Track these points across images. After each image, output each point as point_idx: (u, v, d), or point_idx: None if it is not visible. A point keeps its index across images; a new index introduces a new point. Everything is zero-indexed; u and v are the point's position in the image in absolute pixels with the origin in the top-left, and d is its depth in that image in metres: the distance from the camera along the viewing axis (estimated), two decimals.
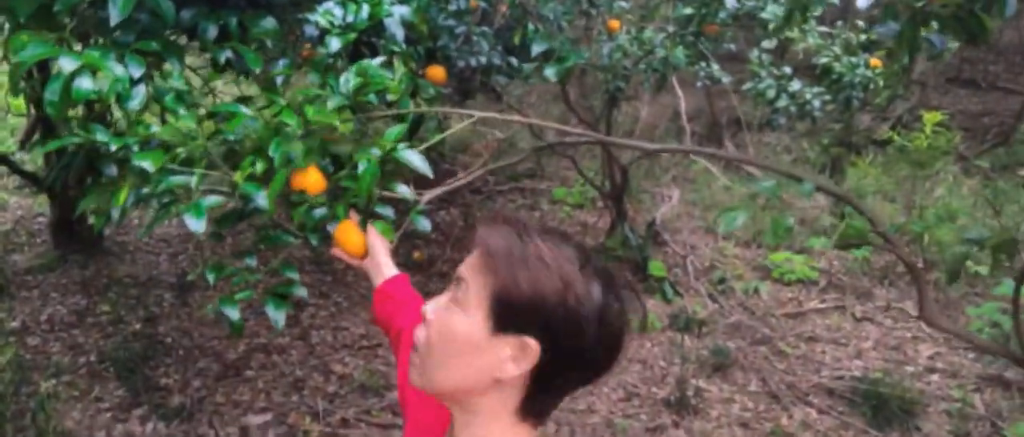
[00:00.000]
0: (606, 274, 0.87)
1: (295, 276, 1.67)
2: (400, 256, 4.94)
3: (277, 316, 1.61)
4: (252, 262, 1.66)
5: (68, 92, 1.47)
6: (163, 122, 1.74)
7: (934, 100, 7.50)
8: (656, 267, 4.71)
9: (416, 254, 4.93)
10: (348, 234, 1.57)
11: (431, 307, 0.89)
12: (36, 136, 4.45)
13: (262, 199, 1.52)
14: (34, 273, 4.25)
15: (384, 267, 1.52)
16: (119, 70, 1.54)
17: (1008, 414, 3.46)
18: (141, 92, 1.57)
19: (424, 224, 1.67)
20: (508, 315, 0.84)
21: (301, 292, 1.70)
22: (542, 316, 0.83)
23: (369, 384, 3.48)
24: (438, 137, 2.24)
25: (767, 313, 4.40)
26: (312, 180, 1.59)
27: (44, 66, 3.91)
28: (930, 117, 4.38)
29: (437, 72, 2.60)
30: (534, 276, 0.83)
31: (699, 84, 4.71)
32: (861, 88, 3.33)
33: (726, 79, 4.41)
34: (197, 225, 1.45)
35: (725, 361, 3.86)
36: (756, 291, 4.63)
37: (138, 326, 3.79)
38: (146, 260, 4.57)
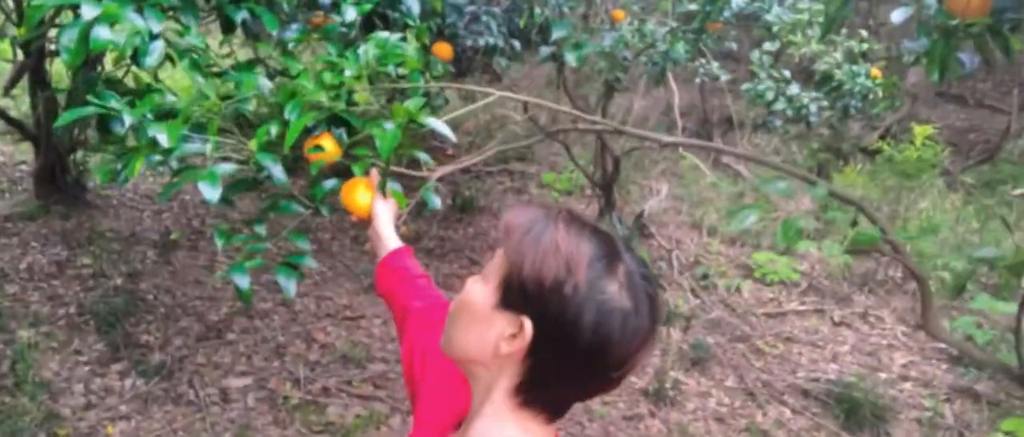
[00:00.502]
0: (635, 283, 0.84)
1: (305, 245, 1.65)
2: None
3: (288, 285, 1.59)
4: (262, 230, 1.64)
5: (85, 41, 1.45)
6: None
7: (923, 113, 7.58)
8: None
9: (402, 228, 4.91)
10: (354, 193, 1.54)
11: (470, 279, 0.93)
12: (24, 82, 4.36)
13: (279, 172, 1.50)
14: (14, 221, 4.19)
15: (387, 239, 1.50)
16: (139, 22, 1.51)
17: (977, 426, 3.54)
18: (158, 48, 1.54)
19: (434, 201, 1.66)
20: (512, 292, 0.85)
21: (311, 263, 1.68)
22: (539, 299, 0.83)
23: (351, 355, 3.48)
24: (467, 109, 2.22)
25: (747, 311, 4.45)
26: (327, 148, 1.58)
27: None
28: (921, 130, 4.44)
29: (444, 49, 2.59)
30: (541, 258, 0.83)
31: (698, 80, 4.73)
32: (860, 97, 3.36)
33: (724, 77, 4.44)
34: (212, 193, 1.43)
35: (704, 356, 3.90)
36: (738, 289, 4.68)
37: (119, 281, 3.75)
38: (130, 215, 4.52)
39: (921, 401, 3.73)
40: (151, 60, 1.51)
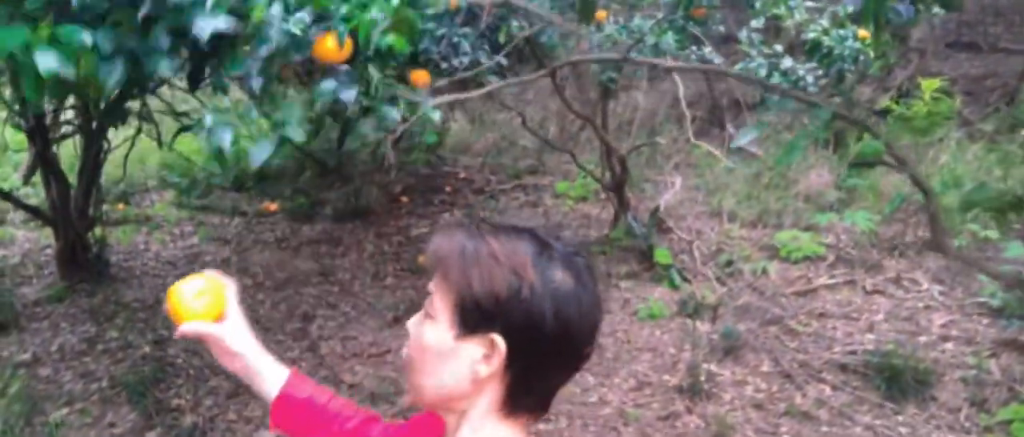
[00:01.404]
0: (570, 261, 0.88)
1: (296, 113, 1.64)
2: (405, 261, 4.95)
3: (259, 152, 1.59)
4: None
5: (35, 71, 1.43)
6: None
7: (934, 66, 7.42)
8: (662, 255, 4.69)
9: (420, 258, 4.93)
10: (182, 298, 1.10)
11: (411, 323, 0.93)
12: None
13: (296, 131, 1.52)
14: (43, 304, 4.28)
15: (260, 360, 1.16)
16: (86, 39, 1.47)
17: None
18: (118, 69, 1.54)
19: (435, 115, 1.68)
20: (470, 316, 0.85)
21: (297, 132, 1.67)
22: (500, 312, 0.84)
23: (379, 391, 3.48)
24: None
25: (776, 292, 4.37)
26: (331, 48, 1.60)
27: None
28: (928, 84, 4.31)
29: (421, 76, 2.59)
30: (486, 273, 0.84)
31: (713, 73, 4.68)
32: (851, 60, 3.30)
33: (718, 60, 4.39)
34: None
35: (736, 344, 3.83)
36: (764, 271, 4.60)
37: (147, 349, 3.81)
38: (152, 284, 4.59)
39: (965, 360, 3.62)
40: (111, 83, 1.51)
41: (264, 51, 1.68)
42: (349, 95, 1.72)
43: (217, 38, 1.67)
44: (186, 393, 3.48)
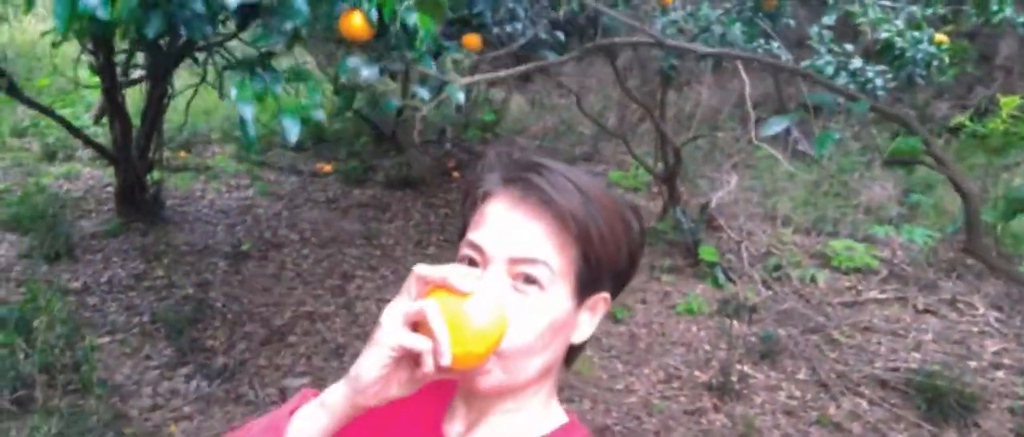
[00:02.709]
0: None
1: (317, 98, 1.66)
2: (449, 232, 4.97)
3: (292, 128, 1.60)
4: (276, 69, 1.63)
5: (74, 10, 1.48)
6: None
7: (1020, 88, 7.06)
8: (707, 252, 4.60)
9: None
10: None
11: (493, 302, 0.71)
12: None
13: (319, 113, 1.52)
14: (99, 238, 4.44)
15: None
16: None
17: None
18: (157, 20, 1.57)
19: (458, 96, 1.67)
20: (592, 277, 0.76)
21: (319, 115, 1.69)
22: (618, 264, 0.78)
23: None
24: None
25: (822, 301, 4.24)
26: (357, 25, 1.60)
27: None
28: (1007, 101, 4.09)
29: (472, 40, 2.58)
30: (609, 225, 0.75)
31: (756, 63, 4.56)
32: (924, 65, 3.14)
33: (785, 57, 4.25)
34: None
35: (774, 348, 3.73)
36: (813, 279, 4.46)
37: (190, 290, 3.91)
38: (204, 230, 4.72)
39: (1015, 389, 3.45)
40: (150, 31, 1.54)
41: (289, 25, 1.68)
42: (372, 72, 1.71)
43: (247, 7, 1.68)
44: (221, 335, 3.56)
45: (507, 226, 0.74)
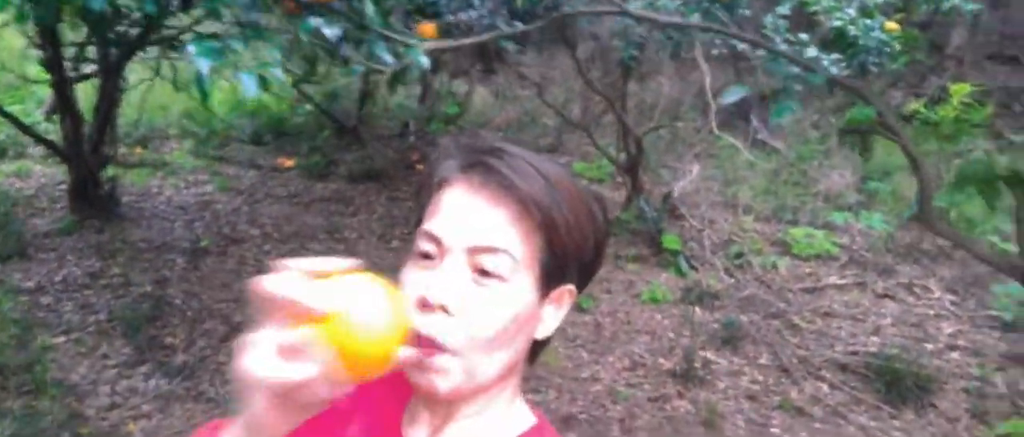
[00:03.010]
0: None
1: (276, 55, 1.61)
2: (413, 226, 4.94)
3: (250, 84, 1.56)
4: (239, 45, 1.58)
5: None
6: None
7: (971, 76, 7.23)
8: (670, 240, 4.63)
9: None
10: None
11: (452, 293, 0.67)
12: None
13: (277, 73, 1.48)
14: (52, 236, 4.32)
15: None
16: None
17: None
18: None
19: (422, 61, 1.64)
20: (557, 268, 0.71)
21: (278, 74, 1.64)
22: (584, 255, 0.73)
23: None
24: None
25: (783, 288, 4.30)
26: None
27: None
28: (958, 89, 4.19)
29: (428, 29, 2.55)
30: (574, 212, 0.71)
31: (715, 52, 4.60)
32: (876, 52, 3.19)
33: (742, 47, 4.29)
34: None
35: (736, 334, 3.77)
36: (774, 266, 4.52)
37: (149, 288, 3.83)
38: (161, 226, 4.62)
39: (970, 370, 3.54)
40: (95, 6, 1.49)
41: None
42: (334, 32, 1.67)
43: None
44: (181, 333, 3.49)
45: (466, 214, 0.69)
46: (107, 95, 4.30)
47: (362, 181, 5.65)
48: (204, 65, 1.50)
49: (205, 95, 1.58)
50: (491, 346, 0.68)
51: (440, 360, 0.67)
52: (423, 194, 0.75)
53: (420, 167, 6.12)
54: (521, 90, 7.87)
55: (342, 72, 1.87)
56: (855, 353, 3.65)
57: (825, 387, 3.43)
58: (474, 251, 0.68)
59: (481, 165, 0.70)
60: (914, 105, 5.30)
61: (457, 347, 0.67)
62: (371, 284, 0.60)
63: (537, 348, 0.76)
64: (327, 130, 6.44)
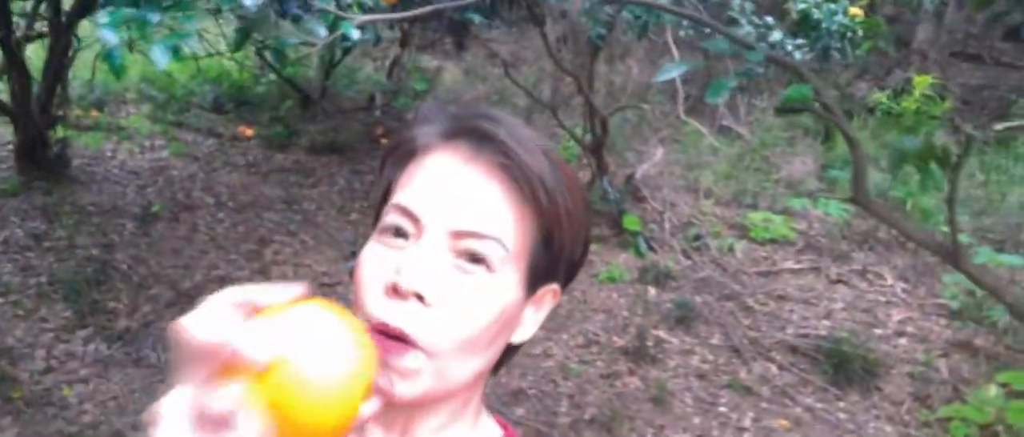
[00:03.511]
0: None
1: (192, 25, 1.55)
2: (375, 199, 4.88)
3: (161, 55, 1.49)
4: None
5: None
6: None
7: (935, 71, 7.32)
8: (631, 221, 4.63)
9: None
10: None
11: (430, 279, 0.56)
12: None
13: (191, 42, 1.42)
14: None
15: None
16: None
17: (971, 379, 3.39)
18: None
19: (353, 33, 1.59)
20: (549, 263, 0.62)
21: (194, 44, 1.58)
22: (576, 250, 0.64)
23: None
24: None
25: (739, 270, 4.33)
26: None
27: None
28: (920, 80, 4.23)
29: None
30: (573, 196, 0.61)
31: (682, 33, 4.59)
32: (839, 37, 3.20)
33: (708, 30, 4.29)
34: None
35: (689, 314, 3.79)
36: (731, 249, 4.55)
37: (94, 252, 3.74)
38: (113, 190, 4.51)
39: (916, 356, 3.59)
40: None
41: None
42: (254, 3, 1.60)
43: None
44: (125, 298, 3.42)
45: (452, 188, 0.58)
46: (57, 55, 4.17)
47: (324, 153, 5.56)
48: (110, 37, 1.43)
49: (117, 71, 1.51)
50: (470, 347, 0.58)
51: (409, 359, 0.56)
52: (390, 163, 0.64)
53: (384, 141, 6.05)
54: (492, 69, 7.82)
55: (275, 43, 1.79)
56: (805, 336, 3.69)
57: (774, 368, 3.46)
58: (459, 235, 0.57)
59: (473, 132, 0.59)
60: (877, 96, 5.37)
61: (431, 344, 0.56)
62: (326, 318, 0.47)
63: (509, 354, 0.66)
64: (290, 100, 6.33)
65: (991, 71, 8.01)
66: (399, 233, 0.58)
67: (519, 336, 0.64)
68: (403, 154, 0.63)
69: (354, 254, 3.52)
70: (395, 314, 0.56)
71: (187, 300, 3.47)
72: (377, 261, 0.58)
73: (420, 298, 0.56)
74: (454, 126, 0.61)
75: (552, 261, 0.61)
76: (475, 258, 0.57)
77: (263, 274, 3.84)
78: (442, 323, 0.56)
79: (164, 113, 5.94)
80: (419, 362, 0.56)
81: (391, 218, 0.59)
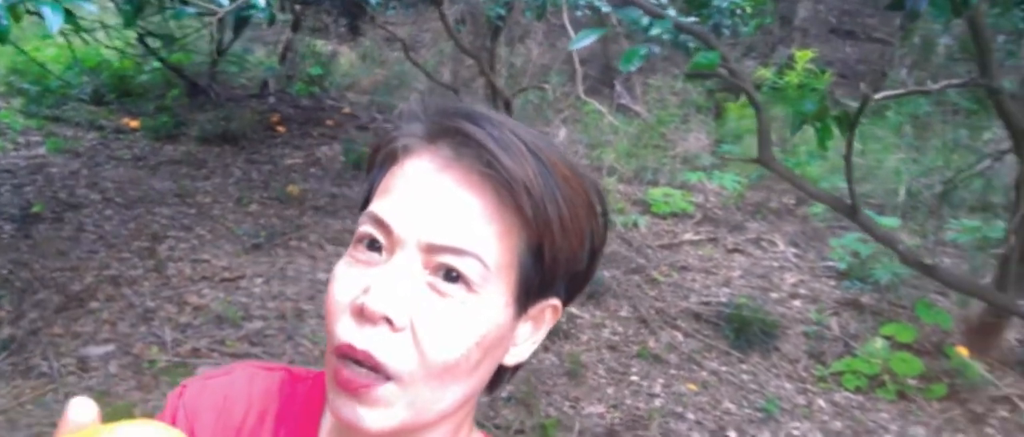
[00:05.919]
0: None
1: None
2: (274, 189, 4.72)
3: (53, 18, 1.39)
4: None
5: None
6: None
7: (815, 47, 7.74)
8: None
9: (290, 187, 4.72)
10: None
11: (400, 301, 0.52)
12: None
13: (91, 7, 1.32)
14: None
15: None
16: None
17: (859, 334, 3.62)
18: None
19: (260, 5, 1.54)
20: (542, 278, 0.56)
21: (92, 7, 1.49)
22: (577, 262, 0.58)
23: (226, 315, 3.31)
24: None
25: (644, 244, 4.45)
26: None
27: None
28: (801, 55, 4.46)
29: None
30: (572, 211, 0.55)
31: (579, 14, 4.66)
32: (728, 14, 3.33)
33: (606, 9, 4.37)
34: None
35: (598, 289, 3.87)
36: (635, 224, 4.67)
37: None
38: None
39: (809, 316, 3.80)
40: None
41: None
42: None
43: None
44: (8, 304, 3.18)
45: (427, 197, 0.53)
46: None
47: (216, 143, 5.34)
48: (55, 21, 1.33)
49: (1, 34, 1.40)
50: (447, 375, 0.53)
51: (378, 388, 0.52)
52: (375, 164, 0.59)
53: (281, 129, 5.86)
54: (390, 52, 7.70)
55: (173, 14, 1.70)
56: (708, 303, 3.84)
57: (680, 336, 3.59)
58: (434, 249, 0.52)
59: (454, 133, 0.54)
60: (763, 72, 5.61)
61: (402, 373, 0.52)
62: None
63: (503, 375, 0.62)
64: (177, 88, 6.04)
65: (866, 46, 8.53)
66: (373, 245, 0.54)
67: (513, 357, 0.59)
68: (385, 156, 0.58)
69: (256, 248, 3.41)
70: (362, 339, 0.52)
71: (77, 304, 3.28)
72: (347, 279, 0.54)
73: (389, 322, 0.51)
74: (436, 127, 0.56)
75: (546, 275, 0.56)
76: (452, 276, 0.52)
77: (158, 272, 3.67)
78: (413, 349, 0.52)
79: (38, 107, 5.56)
80: (388, 392, 0.52)
81: (364, 228, 0.55)
